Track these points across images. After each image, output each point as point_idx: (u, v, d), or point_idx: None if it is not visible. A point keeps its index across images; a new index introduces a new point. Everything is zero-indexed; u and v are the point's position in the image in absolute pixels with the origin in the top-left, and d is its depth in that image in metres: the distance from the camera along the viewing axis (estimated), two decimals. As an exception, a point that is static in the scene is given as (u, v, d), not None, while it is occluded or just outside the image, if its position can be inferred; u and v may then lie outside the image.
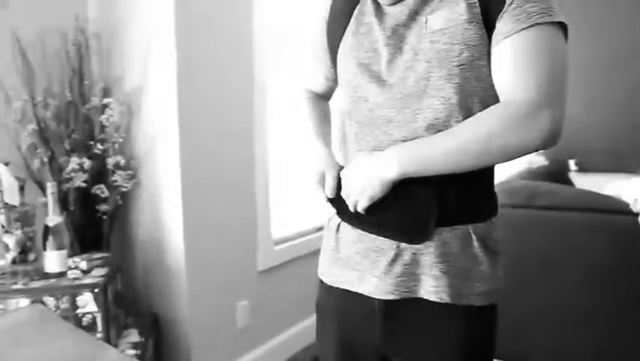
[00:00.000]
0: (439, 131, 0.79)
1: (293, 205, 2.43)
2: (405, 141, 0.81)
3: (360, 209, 0.85)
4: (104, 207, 1.81)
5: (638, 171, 3.08)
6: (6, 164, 1.51)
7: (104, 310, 1.51)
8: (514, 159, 0.76)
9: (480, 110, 0.78)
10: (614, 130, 3.94)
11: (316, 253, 2.46)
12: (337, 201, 0.90)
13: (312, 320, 2.44)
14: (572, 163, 3.94)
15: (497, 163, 0.81)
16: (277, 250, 2.23)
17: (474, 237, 0.83)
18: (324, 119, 1.05)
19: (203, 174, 1.84)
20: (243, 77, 2.01)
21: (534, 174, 2.63)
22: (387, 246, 0.85)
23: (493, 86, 0.78)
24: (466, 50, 0.76)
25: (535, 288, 1.81)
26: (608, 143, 3.96)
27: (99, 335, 1.50)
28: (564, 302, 1.76)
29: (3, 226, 1.48)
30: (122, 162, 1.80)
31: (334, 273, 0.93)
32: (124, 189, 1.81)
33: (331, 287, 0.94)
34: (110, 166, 1.80)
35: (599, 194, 1.91)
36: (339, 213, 0.92)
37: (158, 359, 1.85)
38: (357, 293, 0.89)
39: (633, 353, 1.69)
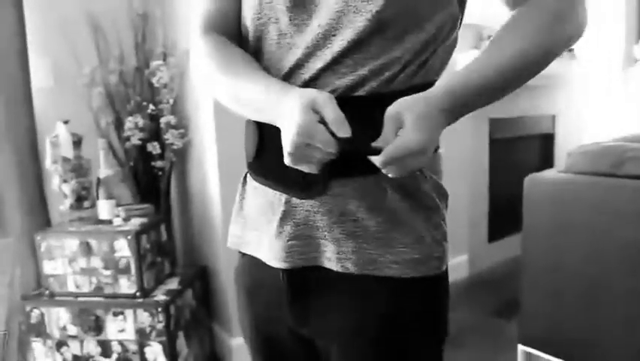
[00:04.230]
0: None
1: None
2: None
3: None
4: (159, 163, 1.95)
5: None
6: (65, 122, 1.72)
7: (137, 256, 1.65)
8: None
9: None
10: None
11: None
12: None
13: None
14: None
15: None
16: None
17: (388, 188, 0.65)
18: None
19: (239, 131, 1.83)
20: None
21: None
22: (277, 200, 0.70)
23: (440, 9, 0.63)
24: None
25: (621, 279, 1.41)
26: None
27: (133, 278, 1.66)
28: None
29: (61, 177, 1.70)
30: (174, 121, 1.91)
31: (235, 233, 0.80)
32: (175, 147, 1.93)
33: (242, 253, 0.81)
34: (162, 125, 1.93)
35: None
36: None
37: (205, 309, 1.97)
38: (261, 260, 0.74)
39: None
